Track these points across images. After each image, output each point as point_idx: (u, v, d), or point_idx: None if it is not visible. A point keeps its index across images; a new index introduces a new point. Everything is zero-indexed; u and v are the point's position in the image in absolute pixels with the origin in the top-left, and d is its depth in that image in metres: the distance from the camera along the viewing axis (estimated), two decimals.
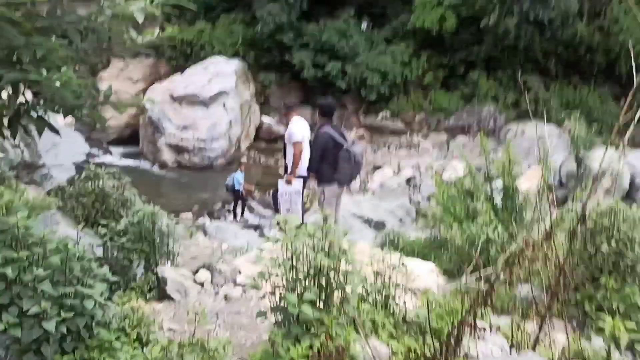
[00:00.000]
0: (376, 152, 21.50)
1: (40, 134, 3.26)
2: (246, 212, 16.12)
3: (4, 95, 3.36)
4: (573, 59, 25.82)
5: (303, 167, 6.89)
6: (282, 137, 23.06)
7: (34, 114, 3.37)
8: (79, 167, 16.64)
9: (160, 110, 20.43)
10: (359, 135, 24.18)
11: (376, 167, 19.19)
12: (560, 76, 26.11)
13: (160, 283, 4.83)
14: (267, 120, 23.73)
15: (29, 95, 3.39)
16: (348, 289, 3.32)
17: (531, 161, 20.11)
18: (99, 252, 5.18)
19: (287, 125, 7.26)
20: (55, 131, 3.29)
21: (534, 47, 25.31)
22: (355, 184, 17.17)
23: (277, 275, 3.31)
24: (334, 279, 3.27)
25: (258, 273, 3.34)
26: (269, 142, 22.96)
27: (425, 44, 25.40)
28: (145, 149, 20.71)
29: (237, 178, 15.54)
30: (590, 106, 24.84)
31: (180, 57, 23.64)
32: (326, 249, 3.28)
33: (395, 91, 24.51)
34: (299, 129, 6.96)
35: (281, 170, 7.82)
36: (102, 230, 5.06)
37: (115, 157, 20.58)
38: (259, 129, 23.16)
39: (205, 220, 15.40)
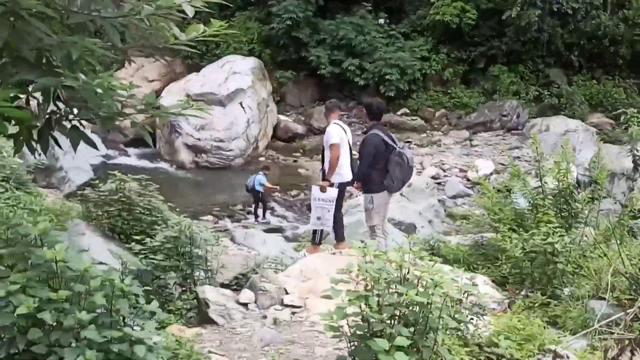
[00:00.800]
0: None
1: (75, 147, 2.83)
2: (267, 214, 15.70)
3: (33, 102, 2.94)
4: (596, 51, 25.16)
5: (341, 172, 6.40)
6: (300, 135, 22.90)
7: (66, 124, 2.94)
8: (97, 169, 16.29)
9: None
10: None
11: None
12: (583, 69, 25.46)
13: (201, 305, 4.40)
14: (284, 118, 23.29)
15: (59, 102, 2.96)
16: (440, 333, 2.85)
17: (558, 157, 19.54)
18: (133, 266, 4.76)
19: (324, 128, 6.79)
20: (93, 144, 2.85)
21: (556, 40, 24.71)
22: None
23: (356, 312, 2.86)
24: (425, 316, 2.82)
25: (335, 311, 2.88)
26: (286, 140, 22.53)
27: (444, 39, 24.86)
28: (163, 149, 20.32)
29: (259, 179, 15.09)
30: (615, 100, 24.17)
31: (195, 55, 23.26)
32: (413, 280, 2.82)
33: (414, 87, 24.00)
34: (336, 131, 6.45)
35: (318, 174, 7.34)
36: (137, 247, 4.64)
37: (133, 158, 20.17)
38: (276, 127, 22.72)
39: (226, 222, 14.99)
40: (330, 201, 6.32)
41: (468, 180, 17.57)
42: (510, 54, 24.60)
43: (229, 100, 20.40)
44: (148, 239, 4.73)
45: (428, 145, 21.47)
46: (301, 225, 15.65)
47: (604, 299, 4.88)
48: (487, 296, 5.70)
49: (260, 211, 15.52)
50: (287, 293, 4.67)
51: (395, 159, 5.81)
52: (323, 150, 6.63)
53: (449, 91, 24.35)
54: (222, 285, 5.83)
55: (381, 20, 25.00)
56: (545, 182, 7.93)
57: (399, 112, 23.76)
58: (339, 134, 6.43)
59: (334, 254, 6.28)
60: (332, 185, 6.36)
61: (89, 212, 6.84)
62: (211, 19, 3.19)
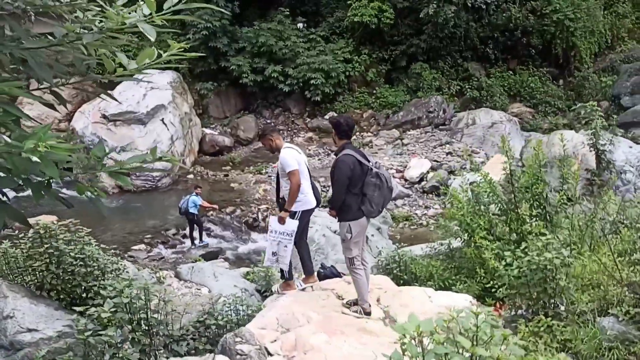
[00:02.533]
0: (329, 155, 20.55)
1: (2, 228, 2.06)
2: (204, 236, 14.76)
3: None
4: (510, 43, 25.89)
5: (303, 199, 5.71)
6: (227, 148, 22.00)
7: None
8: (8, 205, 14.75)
9: (92, 133, 18.67)
10: (306, 139, 23.24)
11: None
12: (499, 61, 26.13)
13: None
14: (209, 131, 22.33)
15: None
16: None
17: (488, 150, 19.80)
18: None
19: (270, 148, 5.96)
20: (26, 223, 2.08)
21: (472, 34, 25.22)
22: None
23: None
24: None
25: None
26: (214, 154, 21.60)
27: (364, 40, 24.78)
28: (81, 176, 18.84)
29: (193, 200, 14.14)
30: (532, 89, 24.96)
31: (106, 72, 21.84)
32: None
33: (339, 90, 23.75)
34: (291, 155, 5.71)
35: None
36: (81, 322, 3.79)
37: None
38: (201, 142, 21.73)
39: (160, 250, 13.95)
40: (289, 235, 5.59)
41: (406, 180, 17.39)
42: (430, 51, 24.85)
43: (150, 118, 19.25)
44: (94, 309, 3.89)
45: (360, 147, 21.16)
46: (241, 245, 14.86)
47: (612, 314, 4.54)
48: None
49: (196, 234, 14.57)
50: (269, 354, 3.97)
51: (373, 181, 5.16)
52: (278, 179, 5.89)
53: (374, 91, 24.28)
54: (180, 339, 5.07)
55: (300, 25, 24.57)
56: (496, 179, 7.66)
57: (326, 116, 23.40)
58: (295, 158, 5.72)
59: (303, 289, 5.65)
60: (292, 216, 5.66)
61: (9, 270, 5.84)
62: (168, 41, 2.51)
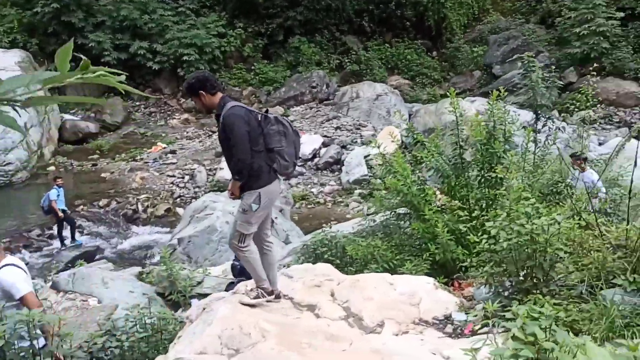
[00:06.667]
0: (211, 136, 18.94)
1: None
2: (77, 234, 12.67)
3: None
4: (385, 15, 25.71)
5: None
6: (93, 134, 19.56)
7: None
8: None
9: None
10: (182, 121, 21.41)
11: (218, 155, 16.58)
12: (375, 34, 25.91)
13: None
14: (70, 117, 19.76)
15: None
16: None
17: (375, 122, 19.38)
18: None
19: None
20: None
21: (347, 7, 24.72)
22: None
23: None
24: None
25: None
26: (78, 142, 19.09)
27: (238, 13, 23.35)
28: None
29: (53, 195, 11.99)
30: (408, 61, 25.03)
31: None
32: None
33: (215, 66, 22.12)
34: (16, 275, 3.88)
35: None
36: None
37: None
38: (62, 129, 19.12)
39: (24, 255, 11.71)
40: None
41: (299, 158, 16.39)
42: (307, 24, 23.98)
43: None
44: None
45: None
46: (122, 241, 13.00)
47: (614, 284, 3.81)
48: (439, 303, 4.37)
49: (67, 233, 12.49)
50: None
51: (275, 129, 3.89)
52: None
53: (252, 67, 22.96)
54: None
55: None
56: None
57: None
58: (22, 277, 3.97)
59: (235, 292, 4.37)
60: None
61: None
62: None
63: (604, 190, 6.96)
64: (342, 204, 14.62)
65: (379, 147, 6.31)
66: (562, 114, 16.41)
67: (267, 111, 4.24)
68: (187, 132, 19.94)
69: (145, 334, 4.41)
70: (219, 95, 4.08)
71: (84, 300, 5.86)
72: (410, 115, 18.74)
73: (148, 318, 4.63)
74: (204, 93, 4.02)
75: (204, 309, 3.78)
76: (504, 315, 3.85)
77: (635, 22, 22.12)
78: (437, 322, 4.21)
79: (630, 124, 18.04)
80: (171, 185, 15.60)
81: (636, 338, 3.43)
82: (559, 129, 7.22)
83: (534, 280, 3.91)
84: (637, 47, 21.63)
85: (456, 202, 5.40)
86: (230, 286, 5.58)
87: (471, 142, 5.73)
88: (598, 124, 18.22)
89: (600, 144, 16.28)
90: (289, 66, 23.20)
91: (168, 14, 21.76)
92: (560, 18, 22.82)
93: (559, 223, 3.78)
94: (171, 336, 4.41)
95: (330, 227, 6.62)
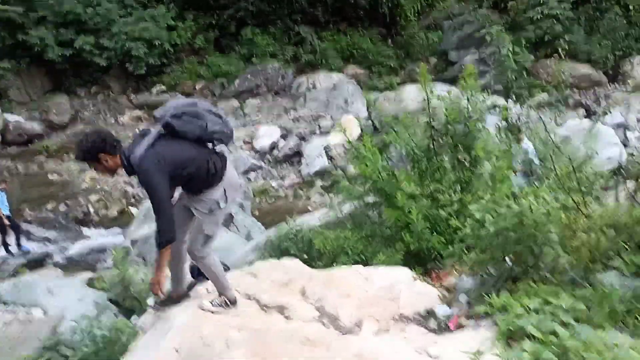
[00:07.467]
0: None
1: None
2: (23, 240, 11.91)
3: None
4: (338, 4, 25.29)
5: None
6: (38, 135, 18.57)
7: None
8: None
9: None
10: (133, 118, 20.58)
11: None
12: (330, 24, 25.49)
13: None
14: (13, 118, 18.72)
15: None
16: None
17: (334, 113, 19.05)
18: None
19: None
20: None
21: None
22: None
23: None
24: None
25: None
26: (23, 144, 18.14)
27: (189, 4, 22.56)
28: None
29: None
30: (364, 50, 24.71)
31: None
32: None
33: (166, 61, 21.35)
34: None
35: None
36: None
37: None
38: (4, 131, 18.10)
39: None
40: None
41: (256, 151, 15.91)
42: (259, 15, 23.35)
43: None
44: None
45: None
46: (72, 245, 12.28)
47: (609, 267, 3.54)
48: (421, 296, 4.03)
49: (11, 240, 11.72)
50: None
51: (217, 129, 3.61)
52: None
53: (205, 60, 22.25)
54: None
55: None
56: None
57: (154, 90, 20.97)
58: None
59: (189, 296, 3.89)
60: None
61: None
62: None
63: (537, 160, 7.24)
64: (303, 197, 14.24)
65: (344, 131, 5.93)
66: (519, 98, 16.49)
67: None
68: (139, 130, 19.17)
69: (94, 348, 3.93)
70: (120, 149, 3.47)
71: (27, 312, 5.29)
72: (368, 103, 18.49)
73: (98, 329, 4.14)
74: (104, 155, 3.40)
75: (158, 316, 3.32)
76: (492, 307, 3.53)
77: (586, 4, 22.37)
78: (419, 317, 3.86)
79: (587, 106, 18.24)
80: (124, 184, 14.90)
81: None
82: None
83: (523, 266, 3.61)
84: (587, 29, 21.89)
85: (437, 184, 5.05)
86: (189, 288, 5.13)
87: (441, 123, 5.40)
88: (554, 106, 18.32)
89: (557, 125, 16.36)
90: (242, 58, 22.56)
91: (114, 6, 20.83)
92: (513, 2, 22.90)
93: (547, 202, 3.48)
94: (125, 348, 3.94)
95: (295, 220, 6.22)
